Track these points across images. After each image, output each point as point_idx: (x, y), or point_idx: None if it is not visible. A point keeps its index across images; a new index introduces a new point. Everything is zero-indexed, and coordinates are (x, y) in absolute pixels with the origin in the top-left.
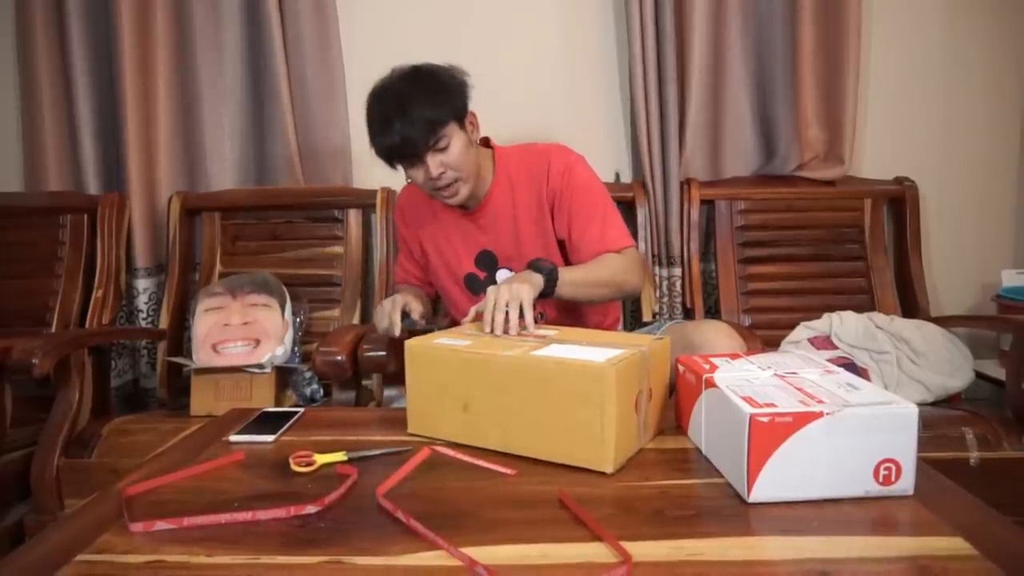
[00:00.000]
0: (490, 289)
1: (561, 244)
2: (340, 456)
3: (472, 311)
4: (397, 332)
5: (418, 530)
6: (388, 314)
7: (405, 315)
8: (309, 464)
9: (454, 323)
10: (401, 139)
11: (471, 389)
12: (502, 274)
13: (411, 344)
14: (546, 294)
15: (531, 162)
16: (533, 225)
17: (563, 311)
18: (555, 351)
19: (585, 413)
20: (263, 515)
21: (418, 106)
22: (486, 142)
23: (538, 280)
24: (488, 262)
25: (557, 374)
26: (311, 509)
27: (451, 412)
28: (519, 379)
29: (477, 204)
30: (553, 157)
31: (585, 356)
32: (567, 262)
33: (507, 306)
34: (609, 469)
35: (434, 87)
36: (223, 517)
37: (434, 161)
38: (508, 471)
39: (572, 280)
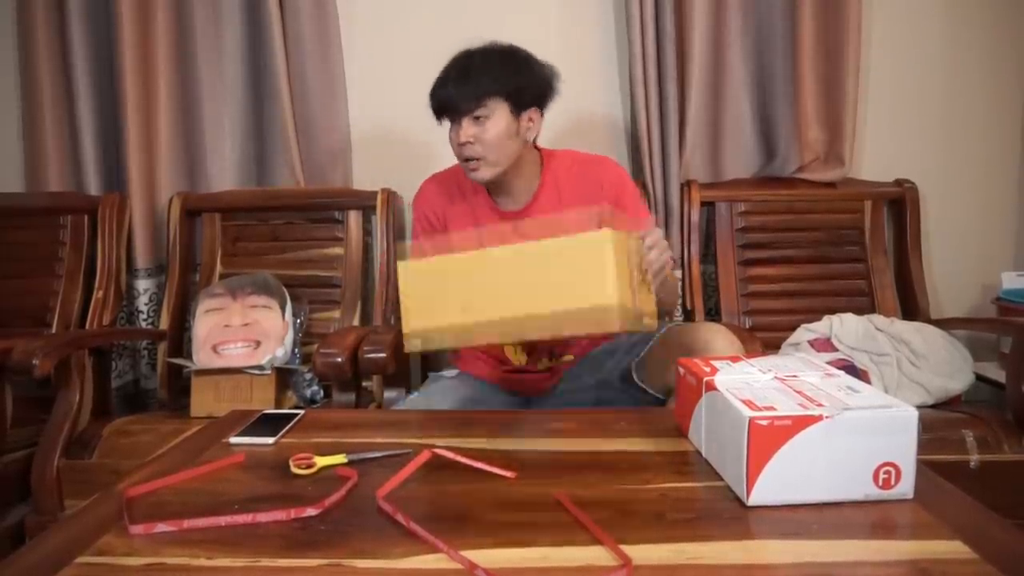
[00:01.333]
0: (658, 234)
1: None
2: (340, 458)
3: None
4: None
5: (418, 533)
6: None
7: None
8: (309, 466)
9: None
10: (446, 94)
11: (469, 285)
12: None
13: (403, 261)
14: None
15: (582, 170)
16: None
17: None
18: (547, 241)
19: (586, 265)
20: (263, 517)
21: (479, 72)
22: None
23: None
24: None
25: (559, 248)
26: (311, 512)
27: (449, 311)
28: (519, 260)
29: (519, 207)
30: (607, 168)
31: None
32: None
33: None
34: (613, 300)
35: (509, 65)
36: (223, 519)
37: (468, 128)
38: (508, 474)
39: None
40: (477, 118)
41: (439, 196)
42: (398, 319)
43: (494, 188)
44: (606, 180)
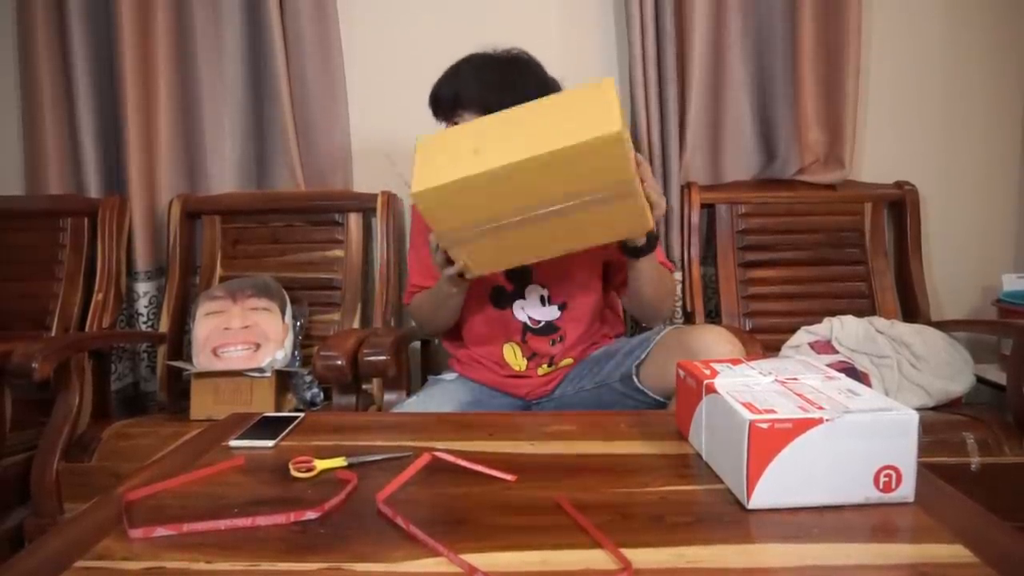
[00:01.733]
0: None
1: (604, 268)
2: (340, 462)
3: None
4: None
5: (418, 536)
6: None
7: None
8: (309, 470)
9: (460, 336)
10: (443, 93)
11: (480, 138)
12: (532, 289)
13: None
14: (644, 251)
15: None
16: None
17: (578, 329)
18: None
19: (592, 105)
20: (263, 521)
21: (480, 82)
22: None
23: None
24: (519, 275)
25: (564, 97)
26: (311, 515)
27: (460, 158)
28: (527, 112)
29: None
30: None
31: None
32: (608, 286)
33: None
34: (616, 127)
35: (508, 77)
36: (223, 523)
37: None
38: (508, 476)
39: (657, 264)
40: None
41: None
42: (398, 322)
43: None
44: None
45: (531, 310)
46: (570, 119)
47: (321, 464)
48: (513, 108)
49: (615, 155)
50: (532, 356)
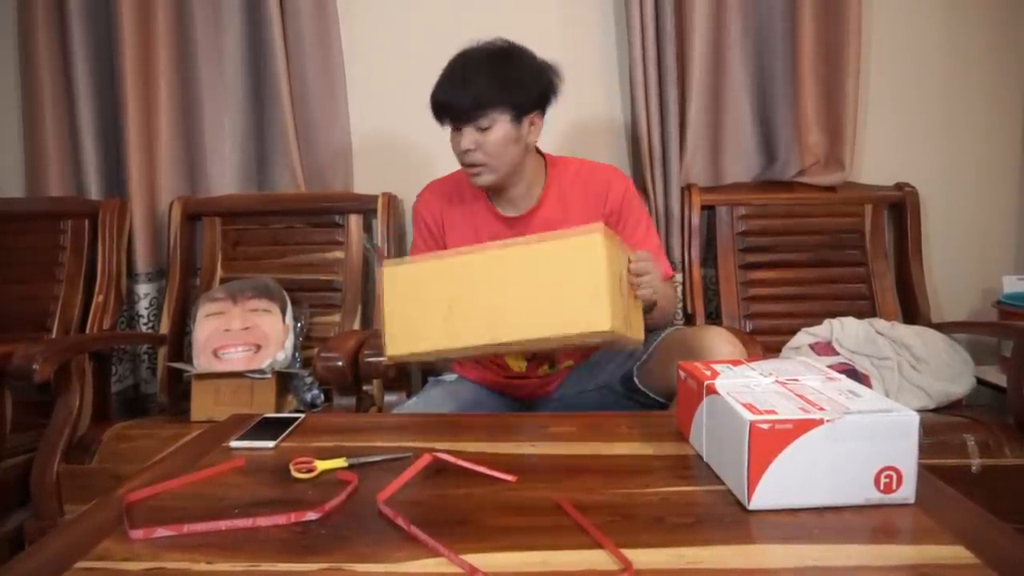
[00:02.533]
0: (645, 257)
1: None
2: (341, 463)
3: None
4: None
5: (418, 537)
6: None
7: None
8: (310, 470)
9: None
10: (448, 101)
11: (456, 291)
12: None
13: (389, 264)
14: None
15: (587, 178)
16: None
17: None
18: (535, 242)
19: (579, 276)
20: (263, 522)
21: (481, 81)
22: (536, 149)
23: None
24: None
25: (547, 249)
26: (311, 516)
27: (434, 321)
28: (507, 266)
29: (521, 212)
30: (613, 177)
31: (569, 234)
32: None
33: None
34: (607, 325)
35: (510, 72)
36: (223, 524)
37: (469, 136)
38: (509, 477)
39: (666, 294)
40: (479, 128)
41: (438, 201)
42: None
43: (495, 193)
44: (613, 191)
45: None
46: (557, 298)
47: (322, 465)
48: (492, 250)
49: (605, 336)
50: (532, 357)
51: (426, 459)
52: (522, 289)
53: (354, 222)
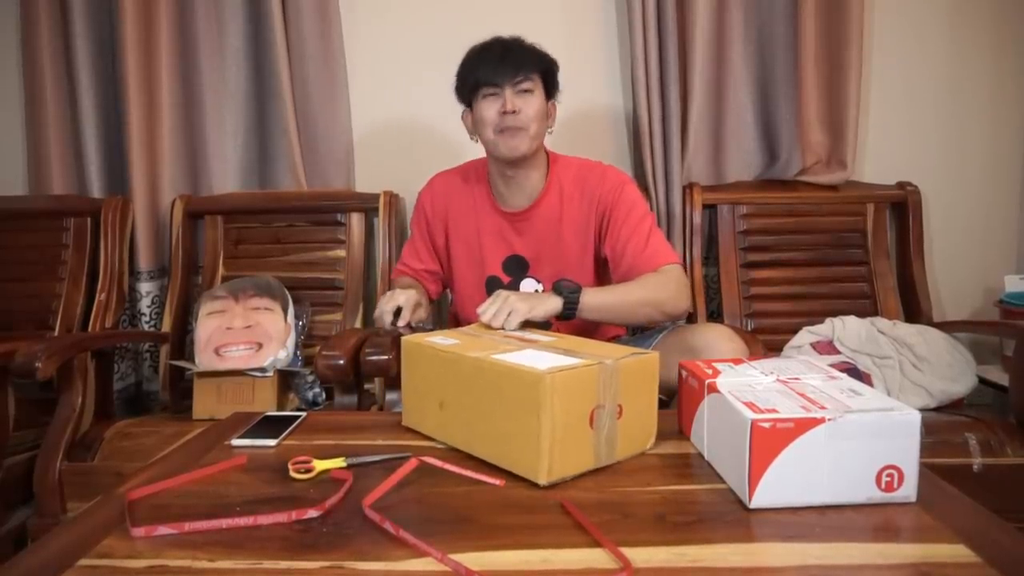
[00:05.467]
0: (499, 292)
1: (602, 263)
2: (339, 462)
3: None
4: (387, 324)
5: (407, 540)
6: (384, 310)
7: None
8: (308, 470)
9: (458, 324)
10: (496, 60)
11: (445, 387)
12: (527, 284)
13: (406, 340)
14: (566, 316)
15: (586, 176)
16: (577, 239)
17: (572, 324)
18: (520, 356)
19: (525, 419)
20: (264, 520)
21: (523, 48)
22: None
23: (552, 305)
24: (516, 268)
25: (506, 378)
26: (313, 513)
27: (431, 409)
28: (478, 380)
29: (522, 207)
30: (608, 174)
31: (536, 363)
32: (603, 281)
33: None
34: (542, 480)
35: (541, 53)
36: (224, 522)
37: (513, 97)
38: (496, 481)
39: (598, 304)
40: (522, 90)
41: (444, 192)
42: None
43: (502, 184)
44: (607, 186)
45: None
46: (508, 430)
47: (320, 465)
48: (477, 352)
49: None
50: None
51: (412, 463)
52: (489, 408)
53: (356, 220)
